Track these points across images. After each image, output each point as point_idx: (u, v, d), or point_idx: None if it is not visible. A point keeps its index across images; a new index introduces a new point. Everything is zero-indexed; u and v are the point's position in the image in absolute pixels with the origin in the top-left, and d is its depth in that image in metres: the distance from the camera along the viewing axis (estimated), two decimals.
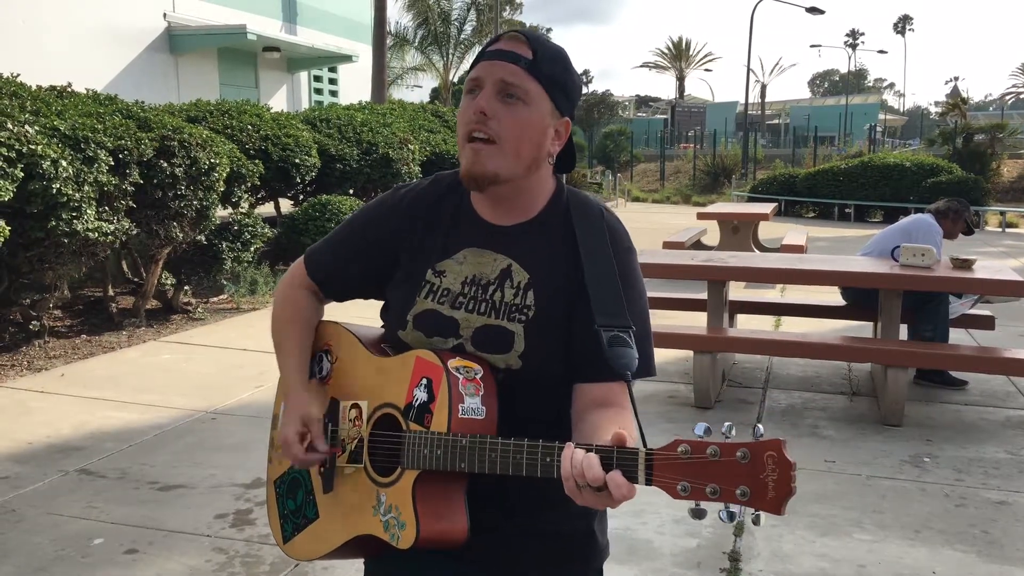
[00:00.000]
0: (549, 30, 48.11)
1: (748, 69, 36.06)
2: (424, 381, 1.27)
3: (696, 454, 1.03)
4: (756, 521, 1.02)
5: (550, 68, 1.30)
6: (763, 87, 63.13)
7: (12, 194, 4.85)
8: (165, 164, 6.10)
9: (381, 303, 1.47)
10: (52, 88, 6.53)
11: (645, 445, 1.08)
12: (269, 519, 1.53)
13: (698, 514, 1.04)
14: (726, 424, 1.05)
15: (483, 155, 1.28)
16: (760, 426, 1.04)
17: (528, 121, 1.29)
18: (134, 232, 6.02)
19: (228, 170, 6.85)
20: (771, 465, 1.00)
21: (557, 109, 1.32)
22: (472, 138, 1.28)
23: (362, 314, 1.60)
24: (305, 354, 1.48)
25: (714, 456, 1.02)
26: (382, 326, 1.45)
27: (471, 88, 1.31)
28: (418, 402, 1.27)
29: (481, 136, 1.28)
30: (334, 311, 1.48)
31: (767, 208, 11.39)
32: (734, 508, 1.02)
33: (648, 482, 1.05)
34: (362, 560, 1.49)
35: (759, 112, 55.35)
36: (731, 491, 1.01)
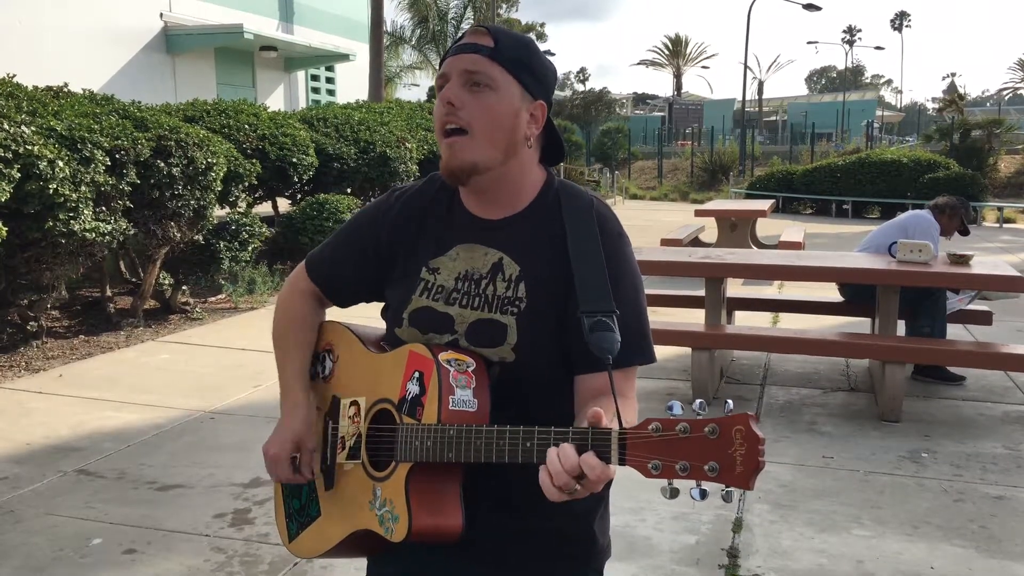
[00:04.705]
0: (543, 25, 47.88)
1: (745, 66, 35.98)
2: (416, 375, 1.28)
3: (667, 431, 1.03)
4: (727, 498, 1.02)
5: (513, 52, 1.31)
6: (760, 84, 63.06)
7: (9, 195, 4.84)
8: (162, 164, 6.09)
9: (383, 305, 1.48)
10: (48, 88, 6.53)
11: (621, 427, 1.07)
12: (276, 519, 1.54)
13: (672, 493, 1.04)
14: (697, 401, 1.05)
15: (458, 147, 1.29)
16: (730, 402, 1.04)
17: (497, 106, 1.29)
18: (131, 232, 6.02)
19: (225, 170, 6.85)
20: (739, 439, 1.00)
21: (528, 92, 1.32)
22: (447, 132, 1.29)
23: (365, 315, 1.61)
24: (305, 361, 1.49)
25: (684, 433, 1.02)
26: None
27: (440, 85, 1.32)
28: (411, 396, 1.28)
29: (453, 127, 1.29)
30: (338, 313, 1.48)
31: (765, 205, 11.40)
32: (706, 486, 1.02)
33: (622, 462, 1.05)
34: (364, 561, 1.49)
35: (756, 109, 55.29)
36: (700, 467, 1.01)
